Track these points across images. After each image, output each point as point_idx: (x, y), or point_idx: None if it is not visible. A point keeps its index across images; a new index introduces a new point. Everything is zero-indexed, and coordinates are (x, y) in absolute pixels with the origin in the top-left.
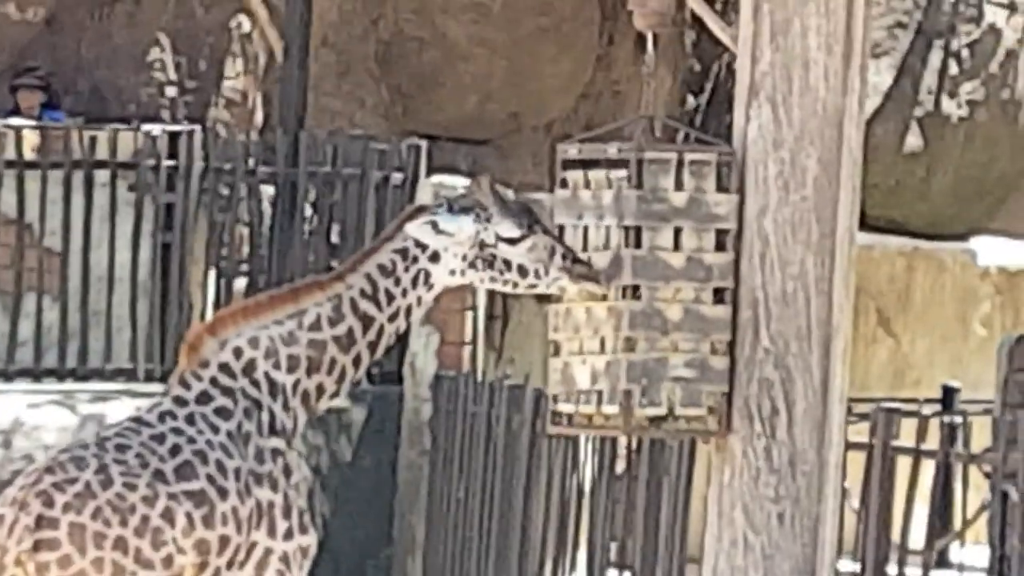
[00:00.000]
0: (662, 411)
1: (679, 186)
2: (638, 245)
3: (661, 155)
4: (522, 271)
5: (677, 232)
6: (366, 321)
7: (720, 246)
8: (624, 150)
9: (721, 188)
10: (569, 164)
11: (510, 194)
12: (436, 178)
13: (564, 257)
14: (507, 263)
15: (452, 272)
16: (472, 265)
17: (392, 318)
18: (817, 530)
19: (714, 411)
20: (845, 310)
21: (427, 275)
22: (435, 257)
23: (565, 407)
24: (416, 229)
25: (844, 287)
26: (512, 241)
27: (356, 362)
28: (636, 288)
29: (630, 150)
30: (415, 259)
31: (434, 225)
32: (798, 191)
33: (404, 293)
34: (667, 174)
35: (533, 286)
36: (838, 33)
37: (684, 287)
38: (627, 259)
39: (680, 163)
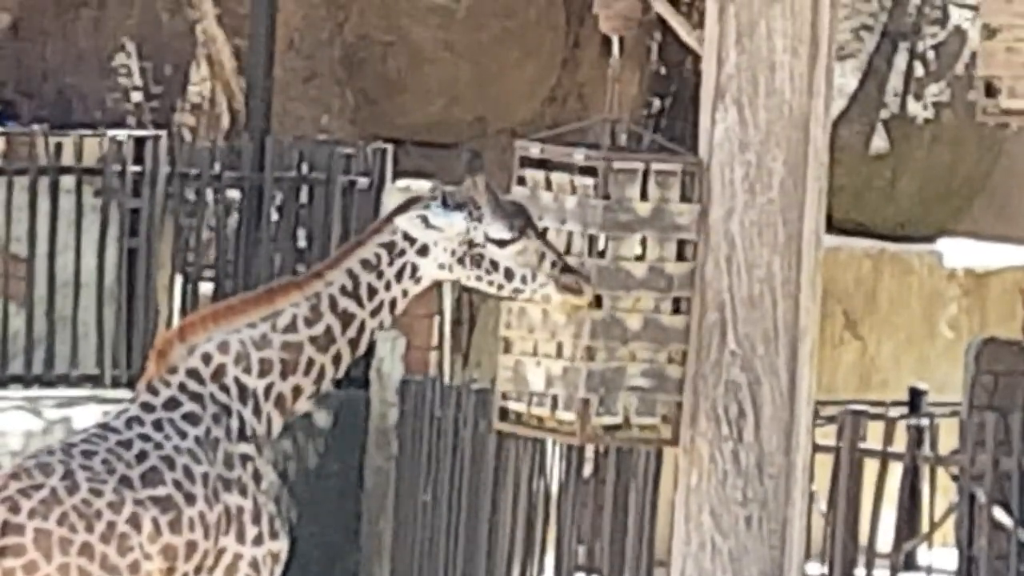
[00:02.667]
0: (618, 420)
1: (644, 196)
2: (602, 254)
3: (628, 165)
4: (508, 274)
5: (642, 242)
6: (346, 318)
7: (681, 256)
8: (592, 158)
9: (685, 198)
10: (528, 162)
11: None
12: (402, 182)
13: (553, 265)
14: (494, 264)
15: (441, 266)
16: (460, 261)
17: (375, 313)
18: (785, 533)
19: (668, 420)
20: (812, 312)
21: (414, 268)
22: (424, 251)
23: (515, 406)
24: (406, 222)
25: (811, 289)
26: (501, 243)
27: (336, 360)
28: (598, 297)
29: (598, 159)
30: (402, 252)
31: (424, 219)
32: (764, 193)
33: (388, 287)
34: (633, 184)
35: (519, 291)
36: (804, 35)
37: (645, 297)
38: (591, 268)
39: (646, 173)
